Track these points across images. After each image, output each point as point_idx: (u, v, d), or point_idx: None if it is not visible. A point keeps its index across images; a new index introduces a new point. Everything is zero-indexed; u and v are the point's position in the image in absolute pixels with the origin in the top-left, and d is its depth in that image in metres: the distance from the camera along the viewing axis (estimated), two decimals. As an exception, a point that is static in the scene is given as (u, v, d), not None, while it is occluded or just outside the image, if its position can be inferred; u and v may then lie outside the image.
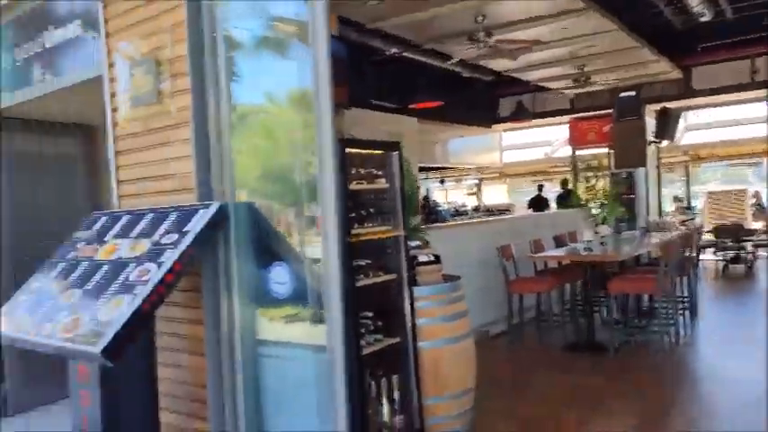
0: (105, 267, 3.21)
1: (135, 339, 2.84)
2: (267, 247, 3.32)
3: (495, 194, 20.06)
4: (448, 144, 13.79)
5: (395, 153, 3.97)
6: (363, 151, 3.89)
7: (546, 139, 16.08)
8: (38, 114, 5.41)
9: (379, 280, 3.77)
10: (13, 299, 3.44)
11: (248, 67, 3.47)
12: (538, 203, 13.84)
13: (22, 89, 4.78)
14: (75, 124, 5.89)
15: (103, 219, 3.68)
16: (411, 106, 10.86)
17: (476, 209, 16.24)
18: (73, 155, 5.89)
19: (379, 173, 3.89)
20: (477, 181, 19.94)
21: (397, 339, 3.84)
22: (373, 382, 3.64)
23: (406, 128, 10.48)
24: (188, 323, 3.43)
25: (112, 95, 3.83)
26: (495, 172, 18.62)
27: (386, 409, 3.65)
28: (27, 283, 3.52)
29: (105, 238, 3.47)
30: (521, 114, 12.61)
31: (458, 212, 15.09)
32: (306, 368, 3.28)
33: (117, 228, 3.51)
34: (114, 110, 3.81)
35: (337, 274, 2.81)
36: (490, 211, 15.06)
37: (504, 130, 15.11)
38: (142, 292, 2.84)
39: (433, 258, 4.18)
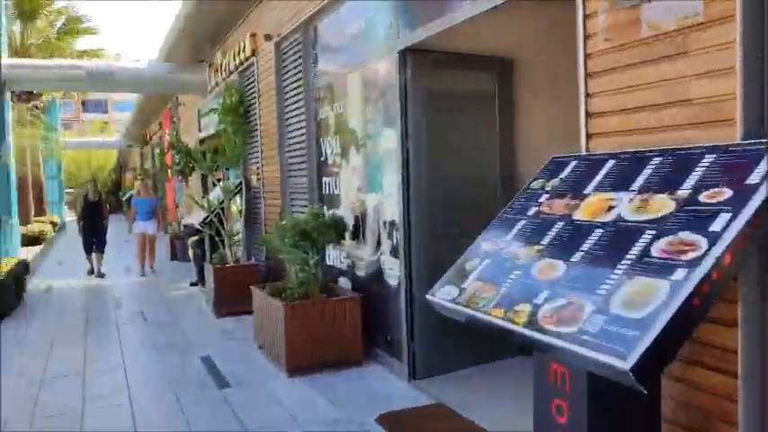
0: (598, 232, 2.25)
1: (675, 353, 1.81)
2: None
3: None
4: None
5: None
6: None
7: None
8: (450, 47, 4.82)
9: None
10: (461, 263, 2.73)
11: None
12: None
13: (434, 20, 4.17)
14: (489, 57, 5.19)
15: (572, 164, 2.74)
16: None
17: None
18: (488, 92, 5.21)
19: None
20: None
21: None
22: None
23: None
24: (707, 323, 2.29)
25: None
26: None
27: None
28: (475, 244, 2.79)
29: (585, 191, 2.51)
30: None
31: None
32: None
33: (599, 177, 2.52)
34: (588, 16, 2.80)
35: None
36: None
37: None
38: (689, 276, 1.78)
39: None
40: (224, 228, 7.93)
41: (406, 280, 4.82)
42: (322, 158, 6.32)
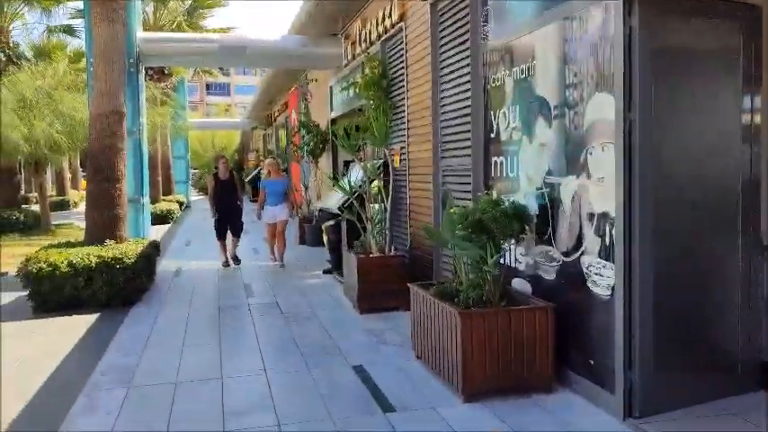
0: None
1: None
2: None
3: None
4: None
5: None
6: None
7: None
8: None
9: None
10: None
11: None
12: None
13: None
14: (733, 2, 3.94)
15: None
16: None
17: None
18: (732, 47, 3.96)
19: None
20: None
21: None
22: None
23: None
24: None
25: None
26: None
27: None
28: None
29: None
30: None
31: None
32: None
33: None
34: None
35: None
36: None
37: None
38: None
39: None
40: (366, 213, 7.10)
41: (625, 290, 3.71)
42: (492, 134, 5.28)
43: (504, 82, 5.06)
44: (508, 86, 4.99)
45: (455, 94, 6.05)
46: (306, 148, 12.56)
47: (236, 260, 10.03)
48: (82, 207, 26.44)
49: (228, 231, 9.96)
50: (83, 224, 16.82)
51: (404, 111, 7.48)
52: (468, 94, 5.69)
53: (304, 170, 14.41)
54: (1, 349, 5.55)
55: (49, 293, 6.93)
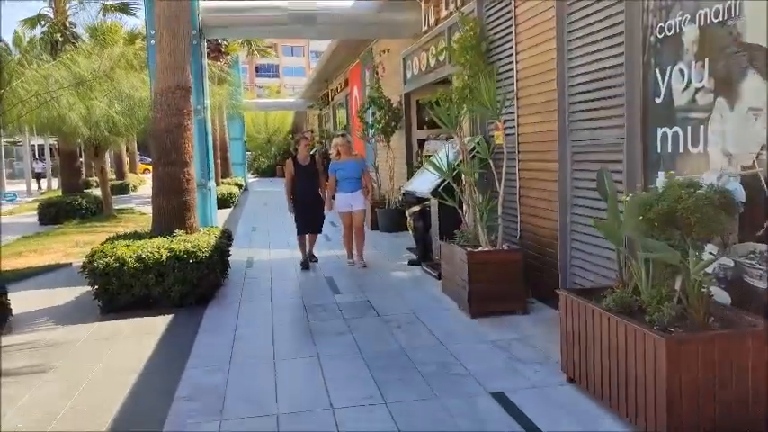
0: None
1: None
2: None
3: None
4: None
5: None
6: None
7: None
8: None
9: None
10: None
11: None
12: None
13: None
14: None
15: None
16: None
17: None
18: None
19: None
20: None
21: None
22: None
23: None
24: None
25: None
26: None
27: None
28: None
29: None
30: None
31: None
32: None
33: None
34: None
35: None
36: None
37: None
38: None
39: None
40: (472, 199, 6.08)
41: None
42: (658, 98, 4.16)
43: (680, 30, 3.92)
44: (689, 35, 3.86)
45: (595, 52, 4.94)
46: (377, 126, 11.55)
47: (313, 257, 8.57)
48: (141, 191, 26.54)
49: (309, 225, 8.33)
50: (144, 209, 16.28)
51: (512, 77, 6.40)
52: (619, 50, 4.57)
53: (371, 151, 13.43)
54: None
55: (118, 292, 6.18)
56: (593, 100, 5.02)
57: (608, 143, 4.81)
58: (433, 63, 9.29)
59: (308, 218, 8.18)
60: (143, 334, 5.52)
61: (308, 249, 8.43)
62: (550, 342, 4.68)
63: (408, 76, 10.90)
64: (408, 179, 11.04)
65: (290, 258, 8.94)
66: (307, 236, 8.38)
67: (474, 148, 6.53)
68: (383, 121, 11.41)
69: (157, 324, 5.81)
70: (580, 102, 5.21)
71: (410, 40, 10.43)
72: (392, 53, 11.60)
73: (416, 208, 7.99)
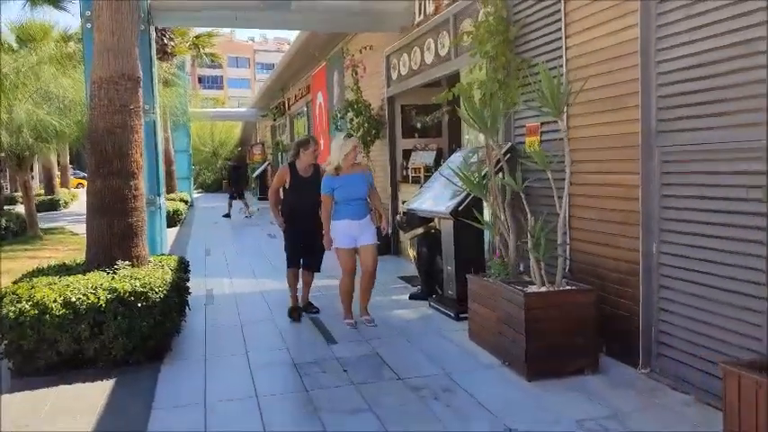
0: None
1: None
2: None
3: None
4: None
5: None
6: None
7: None
8: None
9: None
10: None
11: None
12: None
13: None
14: None
15: None
16: None
17: None
18: None
19: None
20: None
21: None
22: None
23: None
24: None
25: None
26: None
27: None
28: None
29: None
30: None
31: None
32: None
33: None
34: None
35: None
36: None
37: None
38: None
39: None
40: (523, 221, 4.69)
41: None
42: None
43: None
44: None
45: (702, 27, 3.65)
46: (355, 135, 10.08)
47: (312, 307, 6.21)
48: (73, 207, 24.11)
49: (306, 260, 6.09)
50: (76, 227, 13.98)
51: (557, 67, 5.08)
52: (751, 19, 3.29)
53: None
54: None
55: (37, 349, 4.49)
56: (697, 91, 3.71)
57: (736, 149, 3.50)
58: (430, 60, 7.92)
59: (303, 247, 6.02)
60: (71, 413, 3.87)
61: (301, 294, 6.20)
62: (659, 421, 3.33)
63: (393, 77, 9.50)
64: (392, 194, 9.63)
65: (258, 291, 7.35)
66: (301, 271, 6.15)
67: (506, 157, 5.19)
68: (362, 130, 9.97)
69: (92, 396, 4.16)
70: (671, 95, 3.91)
71: (394, 36, 9.05)
72: (372, 51, 10.19)
73: (420, 230, 6.55)
